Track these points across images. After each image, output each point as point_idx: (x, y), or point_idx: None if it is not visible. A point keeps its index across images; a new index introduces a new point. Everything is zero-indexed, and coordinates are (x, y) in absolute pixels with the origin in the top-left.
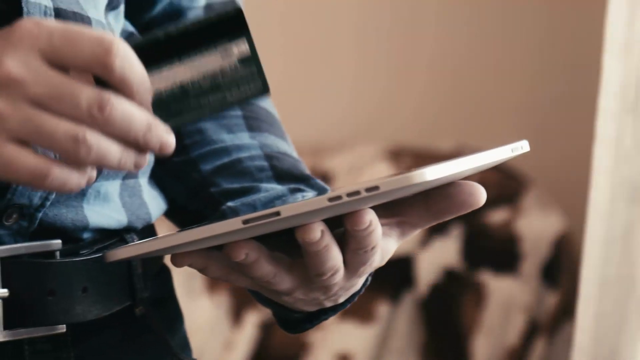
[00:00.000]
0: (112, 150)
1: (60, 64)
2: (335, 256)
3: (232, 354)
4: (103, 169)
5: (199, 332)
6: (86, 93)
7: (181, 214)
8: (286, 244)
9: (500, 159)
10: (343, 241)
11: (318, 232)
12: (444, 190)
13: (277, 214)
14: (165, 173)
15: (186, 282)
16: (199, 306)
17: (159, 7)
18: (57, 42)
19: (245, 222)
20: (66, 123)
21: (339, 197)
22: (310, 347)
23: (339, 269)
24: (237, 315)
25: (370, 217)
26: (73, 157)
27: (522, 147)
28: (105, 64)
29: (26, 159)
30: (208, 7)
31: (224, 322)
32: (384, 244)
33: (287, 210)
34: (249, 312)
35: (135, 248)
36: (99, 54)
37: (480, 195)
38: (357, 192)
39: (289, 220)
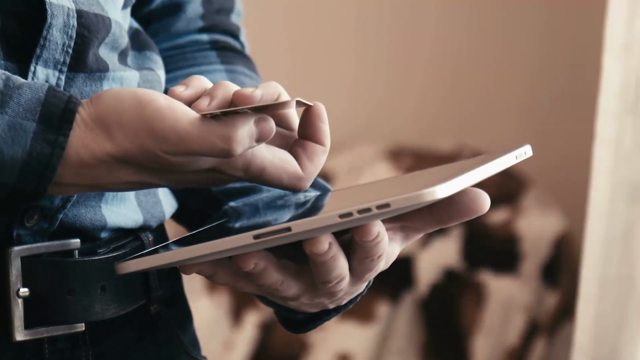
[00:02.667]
0: None
1: None
2: (341, 265)
3: (232, 354)
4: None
5: (198, 332)
6: None
7: (182, 211)
8: (293, 250)
9: (506, 166)
10: (349, 248)
11: (326, 244)
12: (449, 197)
13: (288, 229)
14: None
15: (186, 282)
16: (199, 306)
17: (158, 0)
18: None
19: (256, 237)
20: None
21: (349, 214)
22: (310, 347)
23: (345, 277)
24: (237, 315)
25: (379, 229)
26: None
27: (525, 152)
28: None
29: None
30: (206, 0)
31: (224, 322)
32: (388, 248)
33: (298, 226)
34: (249, 312)
35: (147, 261)
36: None
37: (484, 202)
38: (368, 210)
39: (299, 235)
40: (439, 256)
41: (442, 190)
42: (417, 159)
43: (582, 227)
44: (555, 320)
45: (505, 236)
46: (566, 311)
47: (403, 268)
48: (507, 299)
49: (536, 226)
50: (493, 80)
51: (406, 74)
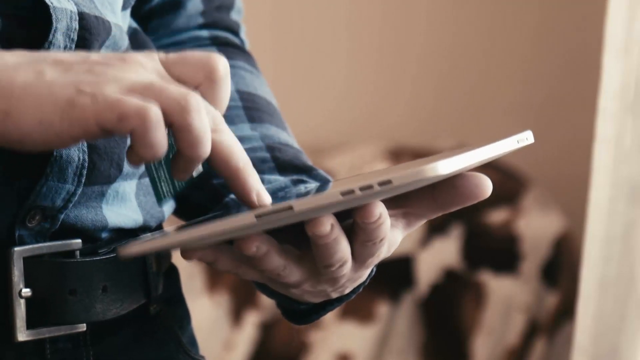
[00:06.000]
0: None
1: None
2: (343, 248)
3: (232, 354)
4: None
5: (198, 332)
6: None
7: (184, 205)
8: (294, 235)
9: (507, 150)
10: (351, 232)
11: (328, 225)
12: (451, 182)
13: (290, 208)
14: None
15: (186, 282)
16: (199, 306)
17: None
18: (171, 57)
19: (257, 216)
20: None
21: (351, 192)
22: (310, 347)
23: (347, 261)
24: (237, 315)
25: (380, 210)
26: (184, 106)
27: (527, 138)
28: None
29: (133, 99)
30: None
31: (224, 322)
32: (391, 235)
33: (300, 204)
34: (249, 312)
35: (149, 244)
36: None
37: (487, 186)
38: (370, 187)
39: (301, 215)
40: (439, 256)
41: (444, 167)
42: (417, 159)
43: (582, 227)
44: (555, 320)
45: (505, 236)
46: (566, 311)
47: (403, 268)
48: (507, 299)
49: (536, 226)
50: (493, 79)
51: (406, 74)
